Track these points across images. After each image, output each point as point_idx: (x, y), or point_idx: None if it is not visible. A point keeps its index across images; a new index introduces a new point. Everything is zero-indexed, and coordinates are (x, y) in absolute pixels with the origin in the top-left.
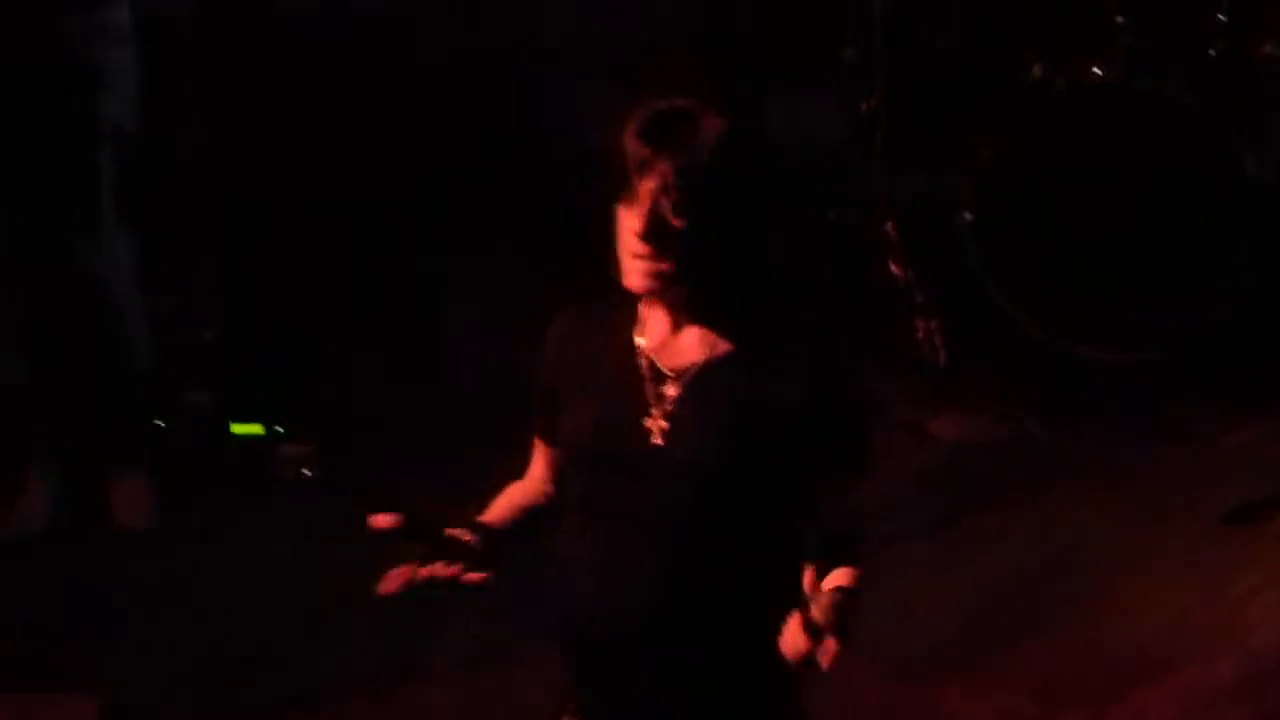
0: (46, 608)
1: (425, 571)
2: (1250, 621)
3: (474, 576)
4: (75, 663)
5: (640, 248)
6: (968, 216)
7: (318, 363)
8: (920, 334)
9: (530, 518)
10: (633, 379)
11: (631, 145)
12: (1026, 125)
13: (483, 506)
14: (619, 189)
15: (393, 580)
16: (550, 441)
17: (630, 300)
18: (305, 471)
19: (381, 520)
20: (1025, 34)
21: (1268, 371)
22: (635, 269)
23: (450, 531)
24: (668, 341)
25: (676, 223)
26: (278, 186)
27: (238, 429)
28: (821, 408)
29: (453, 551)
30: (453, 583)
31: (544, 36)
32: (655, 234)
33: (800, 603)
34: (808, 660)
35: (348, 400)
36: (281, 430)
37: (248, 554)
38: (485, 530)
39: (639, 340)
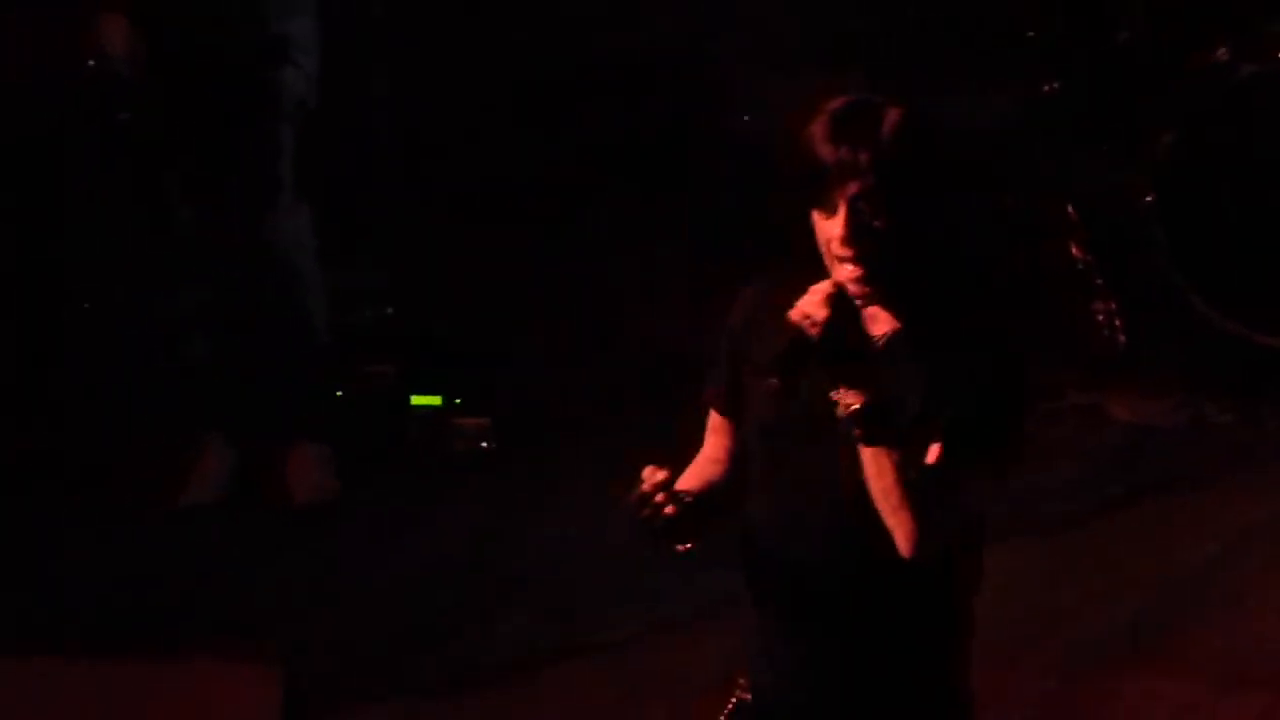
0: (225, 578)
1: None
2: None
3: (687, 543)
4: (254, 634)
5: (844, 251)
6: (1148, 200)
7: (495, 337)
8: (1100, 318)
9: (717, 495)
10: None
11: (822, 148)
12: (1210, 109)
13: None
14: (813, 195)
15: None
16: (730, 413)
17: (817, 274)
18: (484, 444)
19: (654, 472)
20: (1209, 17)
21: None
22: (842, 271)
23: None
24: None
25: (878, 224)
26: (460, 166)
27: (418, 401)
28: (986, 385)
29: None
30: (666, 540)
31: (716, 31)
32: (858, 239)
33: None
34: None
35: (524, 376)
36: (460, 403)
37: (426, 527)
38: (696, 497)
39: None
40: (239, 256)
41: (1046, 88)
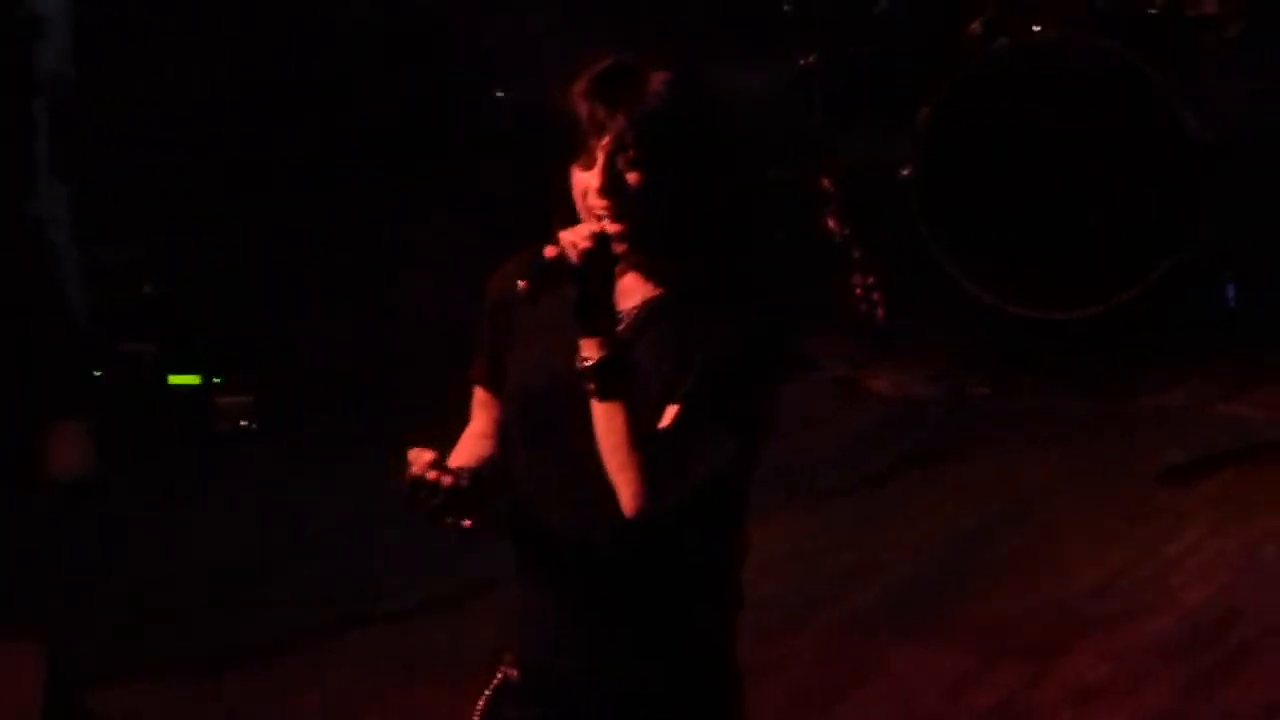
0: None
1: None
2: (1186, 579)
3: (467, 520)
4: (15, 614)
5: (599, 203)
6: (906, 172)
7: (258, 314)
8: (858, 290)
9: (489, 469)
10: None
11: (582, 104)
12: (966, 81)
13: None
14: (573, 150)
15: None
16: (494, 389)
17: None
18: (244, 423)
19: (420, 453)
20: None
21: (1205, 332)
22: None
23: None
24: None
25: (633, 178)
26: (217, 134)
27: (175, 380)
28: (732, 352)
29: (457, 490)
30: (446, 517)
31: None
32: (613, 191)
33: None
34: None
35: (287, 352)
36: (219, 381)
37: (189, 506)
38: (471, 474)
39: None
40: None
41: (804, 60)
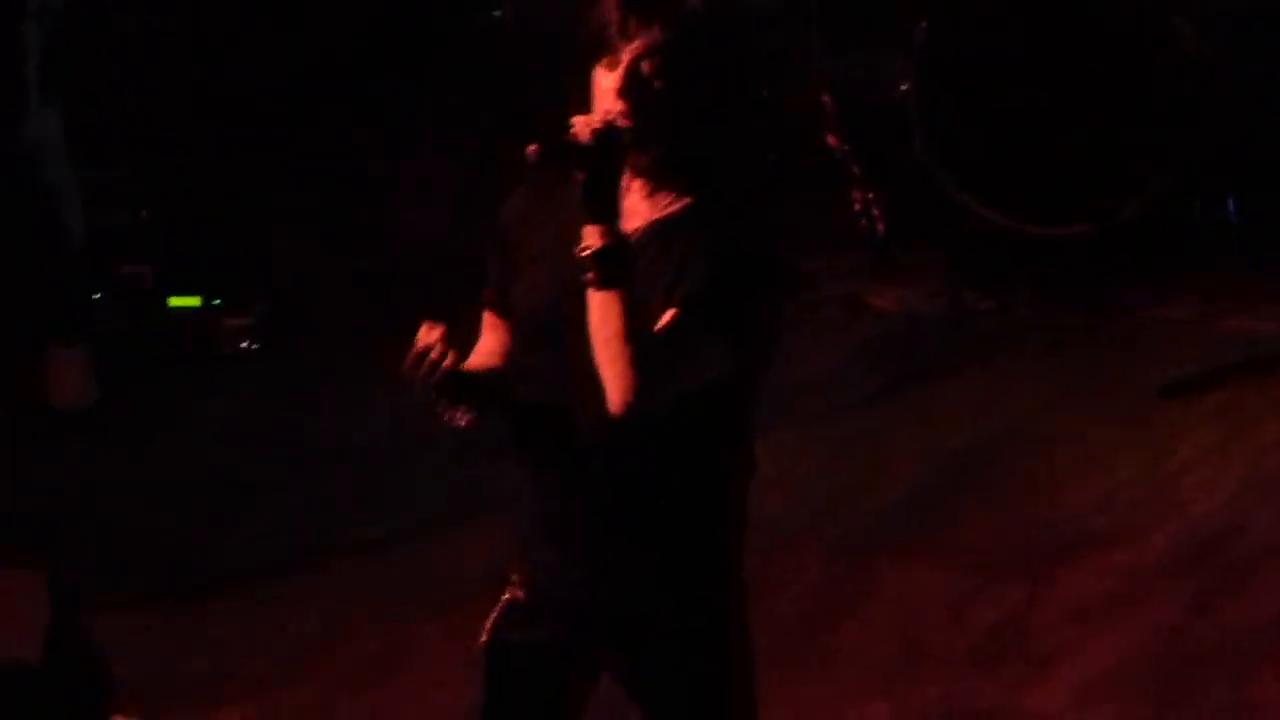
0: None
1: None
2: (1186, 494)
3: (463, 414)
4: (13, 538)
5: (618, 103)
6: (904, 89)
7: (255, 237)
8: (858, 206)
9: (494, 382)
10: (580, 240)
11: (614, 10)
12: None
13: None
14: (597, 52)
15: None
16: (503, 313)
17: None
18: (244, 344)
19: (431, 328)
20: None
21: (1202, 247)
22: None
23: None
24: (623, 207)
25: (658, 84)
26: (212, 57)
27: (175, 302)
28: (723, 266)
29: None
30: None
31: None
32: (633, 92)
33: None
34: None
35: (284, 274)
36: (219, 303)
37: (187, 428)
38: (480, 377)
39: None
40: None
41: None
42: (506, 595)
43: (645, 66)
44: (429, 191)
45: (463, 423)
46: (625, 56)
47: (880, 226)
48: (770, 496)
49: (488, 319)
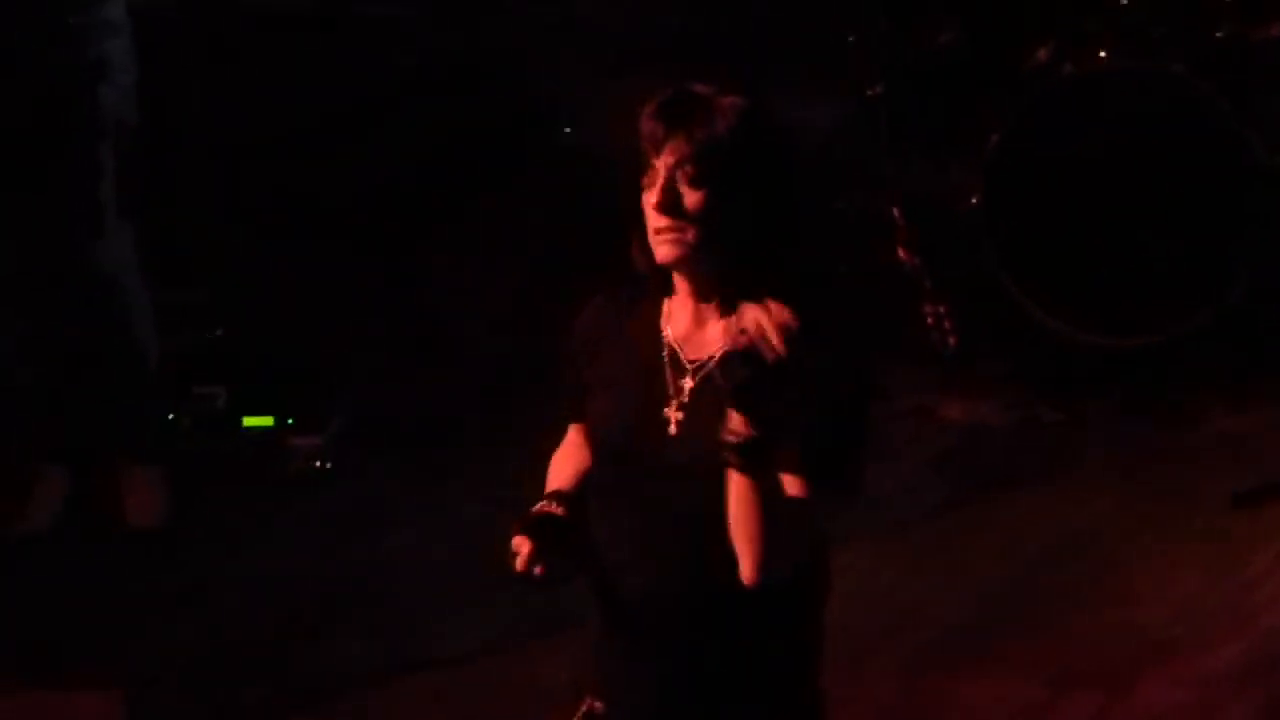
0: (61, 606)
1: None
2: (1259, 605)
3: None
4: (91, 661)
5: (660, 222)
6: (974, 201)
7: (327, 355)
8: (929, 320)
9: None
10: (656, 369)
11: (648, 125)
12: (1033, 110)
13: (537, 483)
14: (641, 173)
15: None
16: (580, 420)
17: (659, 291)
18: (317, 464)
19: (522, 544)
20: (1030, 17)
21: (1273, 357)
22: (660, 242)
23: (540, 508)
24: (691, 333)
25: (691, 194)
26: (284, 181)
27: (249, 422)
28: (823, 413)
29: (555, 537)
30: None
31: (550, 36)
32: (670, 206)
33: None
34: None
35: (357, 393)
36: (292, 422)
37: (260, 549)
38: (565, 496)
39: (664, 330)
40: (63, 283)
41: (870, 91)
42: (584, 706)
43: (680, 178)
44: (497, 307)
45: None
46: (660, 169)
47: (952, 339)
48: (844, 610)
49: (571, 433)
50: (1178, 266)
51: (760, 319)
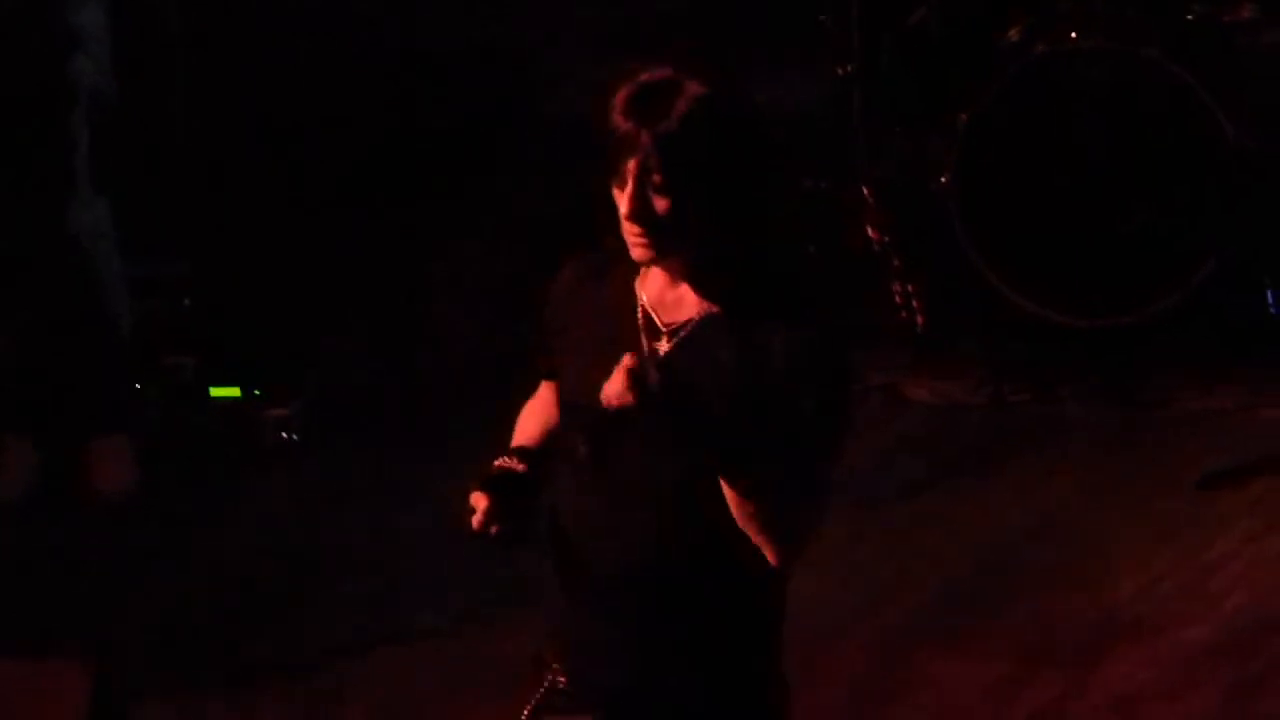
0: (29, 575)
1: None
2: (1226, 585)
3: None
4: (58, 631)
5: (631, 227)
6: (945, 180)
7: (298, 328)
8: (898, 299)
9: (555, 440)
10: (630, 332)
11: (616, 121)
12: (1004, 90)
13: (504, 438)
14: (608, 165)
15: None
16: (552, 378)
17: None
18: (285, 435)
19: (479, 499)
20: None
21: (1244, 338)
22: (633, 244)
23: (501, 464)
24: (666, 297)
25: (661, 200)
26: (258, 151)
27: (216, 393)
28: (800, 380)
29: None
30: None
31: (531, 19)
32: (641, 215)
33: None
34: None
35: (328, 364)
36: (260, 394)
37: (230, 519)
38: (528, 453)
39: (639, 295)
40: (35, 252)
41: (841, 70)
42: (546, 679)
43: (649, 182)
44: (472, 287)
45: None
46: (629, 175)
47: (920, 319)
48: (812, 588)
49: (542, 388)
50: (1148, 247)
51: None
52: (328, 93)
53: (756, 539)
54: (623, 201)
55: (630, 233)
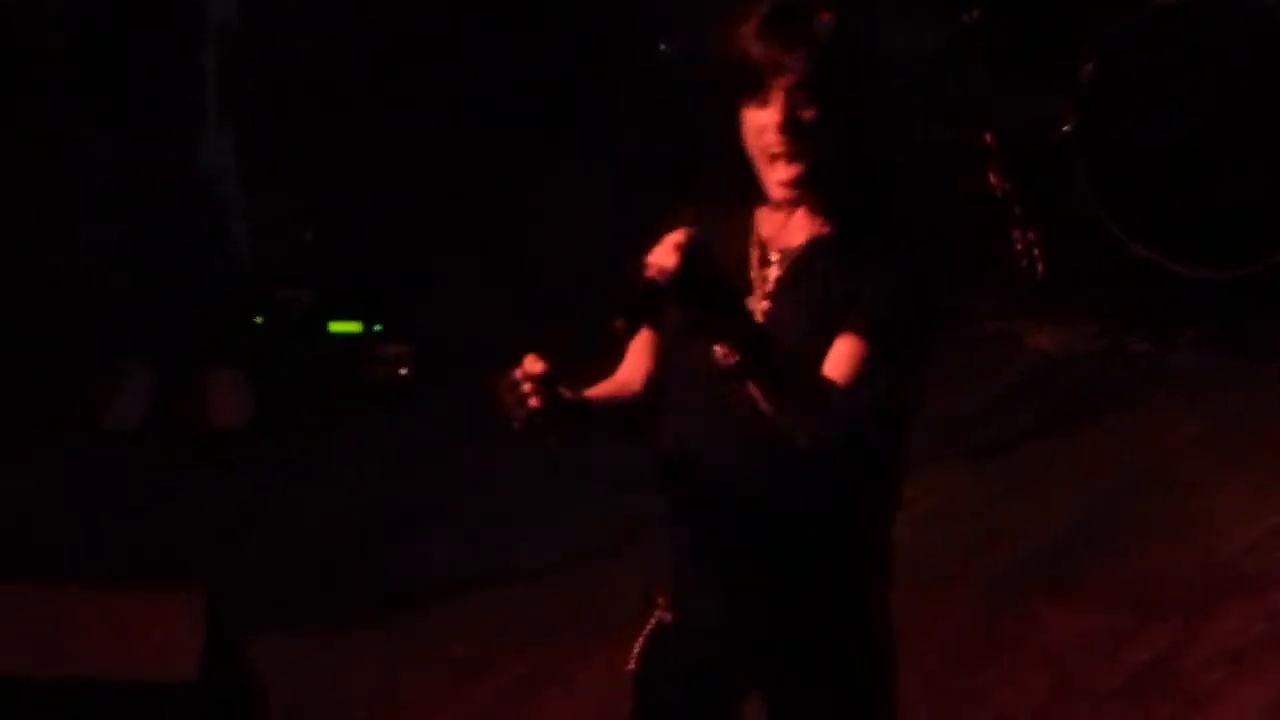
0: (145, 503)
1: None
2: None
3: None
4: (176, 558)
5: (778, 145)
6: (1067, 129)
7: (415, 264)
8: (1019, 246)
9: (614, 411)
10: (744, 260)
11: (755, 45)
12: (1127, 39)
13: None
14: (747, 92)
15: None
16: (657, 326)
17: (747, 202)
18: (402, 371)
19: (533, 362)
20: None
21: None
22: (775, 169)
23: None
24: (780, 228)
25: (809, 114)
26: (376, 92)
27: (335, 327)
28: (895, 294)
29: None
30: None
31: None
32: (792, 128)
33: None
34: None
35: (445, 303)
36: (379, 329)
37: (344, 453)
38: (579, 404)
39: (755, 229)
40: (161, 184)
41: (967, 17)
42: (654, 618)
43: (799, 98)
44: (587, 225)
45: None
46: (778, 91)
47: (1041, 266)
48: (926, 532)
49: (639, 335)
50: (1266, 198)
51: (656, 257)
52: (443, 24)
53: (780, 423)
54: (769, 115)
55: (775, 153)
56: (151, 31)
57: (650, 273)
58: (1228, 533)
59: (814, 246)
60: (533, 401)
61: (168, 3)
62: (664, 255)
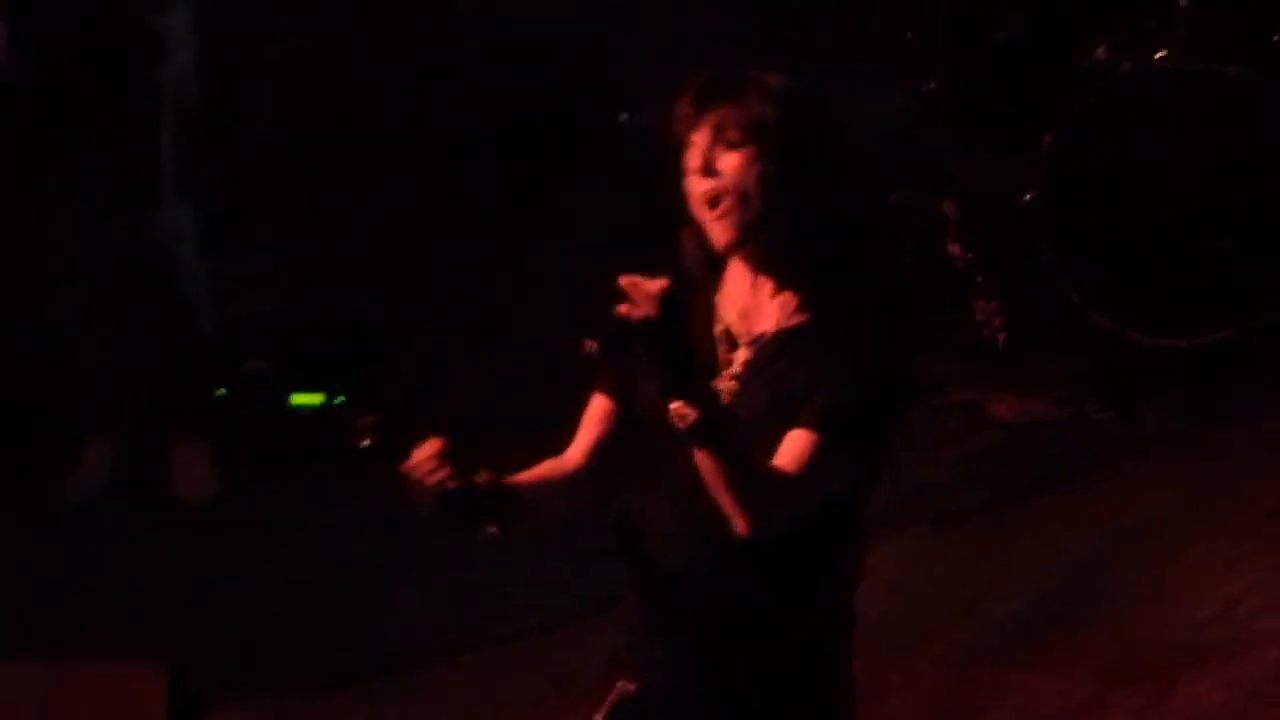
0: (107, 576)
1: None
2: None
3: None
4: (135, 632)
5: (702, 190)
6: (1030, 198)
7: (380, 333)
8: (980, 315)
9: (544, 490)
10: (709, 342)
11: (683, 109)
12: (1090, 107)
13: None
14: (683, 159)
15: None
16: (615, 396)
17: (712, 275)
18: (364, 442)
19: (431, 443)
20: (1089, 15)
21: None
22: (712, 227)
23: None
24: (748, 308)
25: (727, 156)
26: (341, 158)
27: (298, 399)
28: (844, 376)
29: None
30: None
31: (619, 29)
32: (708, 168)
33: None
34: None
35: (409, 371)
36: (342, 400)
37: (309, 524)
38: (489, 481)
39: (719, 307)
40: (120, 255)
41: (925, 87)
42: (617, 687)
43: (717, 144)
44: (555, 294)
45: (491, 531)
46: (698, 143)
47: (1003, 336)
48: (888, 602)
49: (594, 402)
50: (1231, 267)
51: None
52: (409, 92)
53: (722, 504)
54: (699, 183)
55: (707, 209)
56: (107, 101)
57: (625, 310)
58: (1194, 600)
59: (785, 336)
60: (437, 476)
61: (122, 73)
62: (643, 299)
